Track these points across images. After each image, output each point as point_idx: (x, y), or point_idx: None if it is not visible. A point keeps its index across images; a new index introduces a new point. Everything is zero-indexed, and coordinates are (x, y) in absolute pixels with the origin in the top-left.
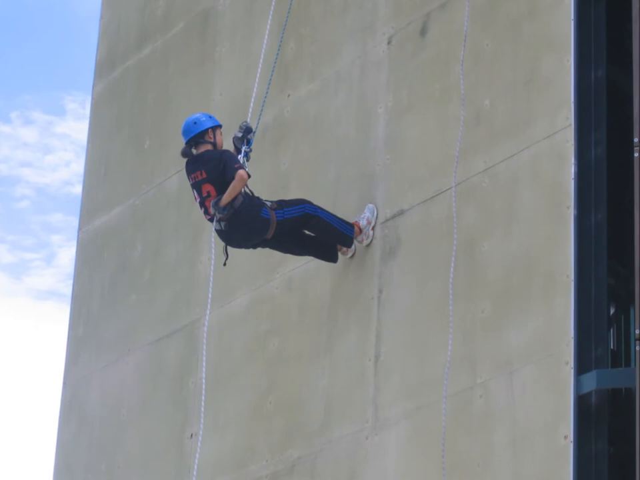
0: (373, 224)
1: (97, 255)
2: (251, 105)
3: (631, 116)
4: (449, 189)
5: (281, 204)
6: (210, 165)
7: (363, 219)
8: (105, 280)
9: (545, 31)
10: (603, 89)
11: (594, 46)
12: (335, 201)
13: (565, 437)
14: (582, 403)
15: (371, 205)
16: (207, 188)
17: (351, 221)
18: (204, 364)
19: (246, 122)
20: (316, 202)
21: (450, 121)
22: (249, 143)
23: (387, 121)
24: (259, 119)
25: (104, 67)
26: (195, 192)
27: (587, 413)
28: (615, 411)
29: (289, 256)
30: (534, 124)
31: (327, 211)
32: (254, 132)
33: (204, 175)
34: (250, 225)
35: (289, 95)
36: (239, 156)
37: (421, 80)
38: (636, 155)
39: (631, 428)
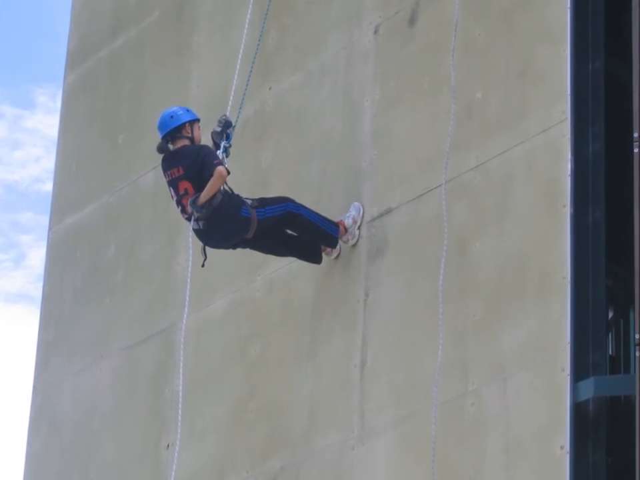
0: (359, 223)
1: (69, 255)
2: (231, 97)
3: (630, 110)
4: (439, 186)
5: (262, 202)
6: (187, 161)
7: (348, 217)
8: (76, 281)
9: (541, 20)
10: (600, 81)
11: (591, 36)
12: (319, 199)
13: (561, 447)
14: (579, 411)
15: (356, 203)
16: (184, 185)
17: (335, 219)
18: (181, 370)
19: (225, 116)
20: (299, 200)
21: (440, 114)
22: (228, 137)
23: (373, 114)
24: (239, 112)
25: (75, 58)
26: (171, 190)
27: (584, 422)
28: (613, 419)
29: (270, 257)
30: (528, 117)
31: (311, 210)
32: (234, 126)
33: (181, 172)
34: (229, 224)
35: (270, 88)
36: (218, 151)
37: (409, 71)
38: (635, 150)
39: (630, 437)
